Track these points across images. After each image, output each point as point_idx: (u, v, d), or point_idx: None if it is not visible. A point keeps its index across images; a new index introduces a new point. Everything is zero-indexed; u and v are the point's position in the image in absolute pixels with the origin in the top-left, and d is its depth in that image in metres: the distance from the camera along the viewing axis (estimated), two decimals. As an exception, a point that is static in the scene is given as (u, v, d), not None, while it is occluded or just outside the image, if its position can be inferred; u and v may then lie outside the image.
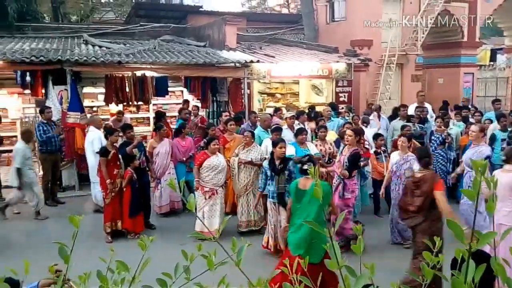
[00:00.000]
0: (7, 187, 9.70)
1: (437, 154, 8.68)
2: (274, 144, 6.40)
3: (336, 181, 6.69)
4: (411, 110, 10.57)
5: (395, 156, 6.99)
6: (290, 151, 7.47)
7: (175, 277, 1.33)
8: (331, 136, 8.52)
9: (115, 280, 1.35)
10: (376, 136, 8.20)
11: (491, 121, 9.40)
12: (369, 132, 8.77)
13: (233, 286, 1.40)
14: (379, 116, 10.37)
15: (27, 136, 8.19)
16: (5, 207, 8.13)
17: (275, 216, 6.16)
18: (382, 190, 7.03)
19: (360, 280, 1.03)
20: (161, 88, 11.37)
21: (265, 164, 6.36)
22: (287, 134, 8.43)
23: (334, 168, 7.11)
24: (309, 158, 5.55)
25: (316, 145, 7.74)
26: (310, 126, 9.40)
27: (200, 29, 14.10)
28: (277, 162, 6.17)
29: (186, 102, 11.46)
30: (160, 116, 10.15)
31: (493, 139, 8.59)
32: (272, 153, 6.34)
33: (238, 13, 18.01)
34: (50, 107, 9.10)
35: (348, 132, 6.81)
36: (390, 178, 6.93)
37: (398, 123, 9.54)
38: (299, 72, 12.67)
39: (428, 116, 10.43)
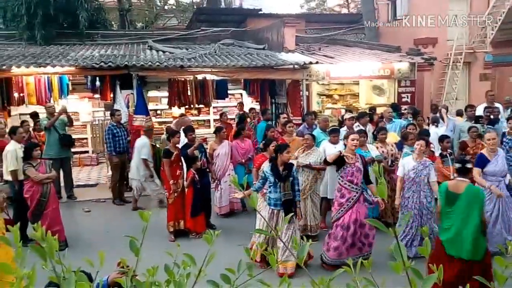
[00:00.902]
0: (78, 186, 10.34)
1: (509, 157, 8.16)
2: (281, 149, 5.99)
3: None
4: (480, 111, 10.04)
5: (409, 162, 6.39)
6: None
7: (238, 274, 1.36)
8: (392, 138, 8.28)
9: (181, 274, 1.40)
10: (442, 138, 7.86)
11: None
12: (434, 135, 8.44)
13: (296, 286, 1.41)
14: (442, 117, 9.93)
15: (149, 133, 9.10)
16: (135, 202, 8.89)
17: (273, 224, 5.80)
18: (398, 201, 6.40)
19: (427, 282, 1.00)
20: (221, 91, 11.63)
21: (267, 169, 5.95)
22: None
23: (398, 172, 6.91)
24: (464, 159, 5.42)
25: (377, 147, 7.56)
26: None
27: (259, 32, 14.24)
28: (280, 168, 5.89)
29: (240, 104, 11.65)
30: (242, 118, 10.25)
31: None
32: (274, 159, 6.00)
33: (297, 14, 17.97)
34: (119, 110, 9.56)
35: (420, 142, 6.43)
36: (402, 186, 6.40)
37: (465, 124, 9.10)
38: (359, 72, 12.42)
39: (500, 117, 9.85)
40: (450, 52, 13.41)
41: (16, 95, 10.66)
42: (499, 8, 13.55)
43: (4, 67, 9.34)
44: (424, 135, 7.76)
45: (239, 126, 9.37)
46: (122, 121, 9.58)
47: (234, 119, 12.44)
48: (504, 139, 8.45)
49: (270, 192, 5.92)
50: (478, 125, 8.65)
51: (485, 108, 9.99)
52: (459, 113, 10.44)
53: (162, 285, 1.38)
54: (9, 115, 11.21)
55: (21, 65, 9.41)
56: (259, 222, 6.29)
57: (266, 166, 6.03)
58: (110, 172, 10.07)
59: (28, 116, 10.94)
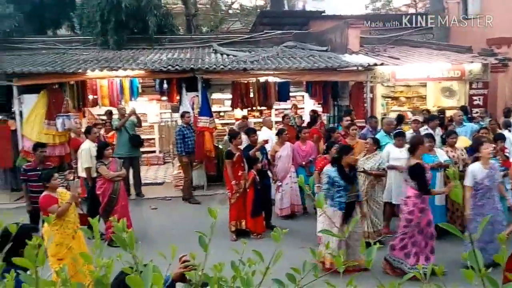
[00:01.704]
0: (146, 184, 10.81)
1: None
2: (345, 152, 5.96)
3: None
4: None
5: (480, 170, 6.03)
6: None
7: (303, 274, 1.37)
8: (463, 142, 7.89)
9: (247, 271, 1.44)
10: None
11: None
12: (508, 139, 7.94)
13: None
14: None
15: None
16: None
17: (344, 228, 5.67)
18: (469, 211, 6.03)
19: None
20: (283, 93, 11.67)
21: (334, 173, 5.89)
22: (412, 139, 8.03)
23: None
24: None
25: (446, 152, 7.25)
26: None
27: (322, 34, 14.12)
28: (346, 170, 5.88)
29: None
30: (314, 119, 10.19)
31: None
32: (339, 159, 5.92)
33: (361, 15, 17.63)
34: (189, 112, 9.90)
35: (489, 148, 6.13)
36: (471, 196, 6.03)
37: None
38: (427, 74, 11.95)
39: None
40: (527, 52, 12.53)
41: (90, 97, 11.34)
42: None
43: (80, 70, 9.97)
44: (499, 139, 7.35)
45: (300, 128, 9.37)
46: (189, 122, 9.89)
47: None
48: None
49: (340, 196, 5.85)
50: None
51: None
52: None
53: (229, 281, 1.42)
54: (84, 116, 11.94)
55: (95, 69, 10.01)
56: (321, 226, 6.24)
57: (331, 170, 5.95)
58: (175, 171, 10.43)
59: (103, 114, 11.65)
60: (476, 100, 12.06)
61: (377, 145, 6.98)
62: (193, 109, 10.38)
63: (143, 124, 12.13)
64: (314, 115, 11.05)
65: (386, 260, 6.00)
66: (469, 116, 10.15)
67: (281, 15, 17.39)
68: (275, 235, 1.33)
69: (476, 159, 6.21)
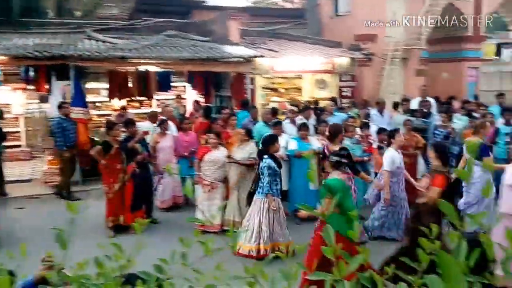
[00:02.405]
0: (10, 182, 9.79)
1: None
2: (269, 141, 6.20)
3: None
4: (414, 105, 10.54)
5: (396, 154, 6.62)
6: (292, 145, 7.48)
7: (172, 263, 1.33)
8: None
9: (113, 267, 1.36)
10: (380, 131, 8.17)
11: (493, 115, 9.34)
12: (373, 127, 8.76)
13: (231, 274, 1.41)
14: (382, 110, 10.31)
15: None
16: None
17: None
18: (388, 195, 6.63)
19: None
20: (164, 83, 11.41)
21: (271, 163, 6.01)
22: (290, 129, 8.44)
23: None
24: (336, 151, 5.51)
25: (318, 140, 7.73)
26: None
27: (204, 24, 14.09)
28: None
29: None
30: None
31: (497, 133, 8.56)
32: (266, 151, 6.11)
33: (242, 7, 17.95)
34: (67, 103, 9.14)
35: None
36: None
37: (400, 117, 9.51)
38: (303, 67, 12.66)
39: (432, 110, 10.39)
40: (388, 48, 13.92)
41: None
42: (434, 7, 14.23)
43: None
44: (364, 127, 8.12)
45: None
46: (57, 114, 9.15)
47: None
48: (436, 132, 8.93)
49: (277, 184, 6.03)
50: (413, 118, 9.09)
51: (420, 101, 10.50)
52: (394, 106, 10.84)
53: (92, 278, 1.33)
54: None
55: None
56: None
57: (269, 161, 5.99)
58: (45, 167, 9.61)
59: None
60: (345, 91, 13.10)
61: (249, 136, 7.10)
62: (64, 99, 9.63)
63: (6, 116, 10.94)
64: (209, 107, 10.75)
65: None
66: (339, 106, 10.95)
67: (162, 3, 16.90)
68: (136, 226, 1.27)
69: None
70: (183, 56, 10.32)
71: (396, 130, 7.11)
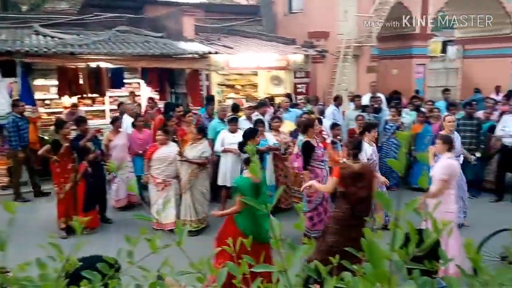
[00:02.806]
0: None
1: (390, 143, 8.96)
2: (252, 135, 6.38)
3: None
4: (366, 100, 10.85)
5: (367, 147, 6.67)
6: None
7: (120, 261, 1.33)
8: (289, 126, 8.64)
9: (56, 268, 1.33)
10: (333, 126, 8.36)
11: (439, 110, 9.77)
12: (327, 122, 8.95)
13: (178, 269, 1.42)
14: (339, 105, 10.52)
15: None
16: None
17: None
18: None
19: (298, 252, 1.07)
20: (117, 80, 11.15)
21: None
22: (245, 125, 8.48)
23: (293, 159, 7.24)
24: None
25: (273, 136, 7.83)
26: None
27: (157, 20, 13.86)
28: None
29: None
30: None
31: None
32: (244, 144, 6.13)
33: (196, 3, 17.79)
34: (23, 102, 8.74)
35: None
36: None
37: (352, 112, 9.77)
38: (258, 63, 12.73)
39: (383, 106, 10.74)
40: (340, 45, 14.24)
41: None
42: (384, 5, 14.69)
43: None
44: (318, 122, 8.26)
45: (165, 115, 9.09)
46: (4, 112, 8.77)
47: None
48: (387, 126, 9.24)
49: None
50: (364, 114, 9.36)
51: (371, 97, 10.82)
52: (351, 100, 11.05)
53: (35, 280, 1.30)
54: None
55: None
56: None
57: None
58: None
59: None
60: (300, 88, 13.29)
61: (202, 134, 7.08)
62: (11, 96, 9.24)
63: None
64: (170, 103, 10.51)
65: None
66: (293, 102, 11.10)
67: (113, -2, 16.50)
68: (75, 224, 1.26)
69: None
70: (136, 52, 10.13)
71: (372, 125, 7.29)
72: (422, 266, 1.25)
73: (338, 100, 10.56)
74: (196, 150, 6.82)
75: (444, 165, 5.19)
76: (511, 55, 18.65)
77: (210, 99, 10.26)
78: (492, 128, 8.49)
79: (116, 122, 8.10)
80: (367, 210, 5.07)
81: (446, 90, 12.14)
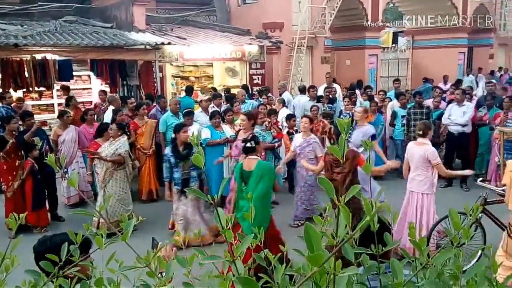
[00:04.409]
0: None
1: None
2: (177, 129, 6.12)
3: None
4: (320, 91, 10.98)
5: (298, 138, 6.91)
6: (205, 134, 7.41)
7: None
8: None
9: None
10: (289, 117, 8.39)
11: (391, 99, 10.05)
12: (282, 113, 8.98)
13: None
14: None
15: None
16: None
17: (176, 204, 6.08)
18: (280, 165, 7.19)
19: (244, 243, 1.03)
20: (65, 72, 10.68)
21: (167, 151, 6.09)
22: (202, 118, 8.36)
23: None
24: (253, 136, 5.44)
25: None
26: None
27: (106, 10, 13.40)
28: (181, 148, 6.02)
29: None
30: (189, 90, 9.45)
31: (394, 116, 9.21)
32: (174, 139, 6.10)
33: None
34: None
35: (304, 120, 6.86)
36: (292, 156, 6.98)
37: (308, 103, 9.85)
38: (212, 54, 12.59)
39: (337, 96, 10.90)
40: (295, 37, 14.31)
41: None
42: (336, -4, 14.89)
43: None
44: (272, 114, 8.28)
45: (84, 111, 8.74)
46: None
47: (83, 102, 11.62)
48: (341, 116, 9.39)
49: (174, 172, 5.99)
50: (319, 104, 9.46)
51: (325, 88, 10.96)
52: (301, 90, 11.19)
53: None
54: None
55: None
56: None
57: (167, 148, 6.11)
58: None
59: None
60: (255, 79, 13.28)
61: (122, 131, 6.78)
62: None
63: None
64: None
65: None
66: (250, 93, 11.07)
67: (59, -13, 15.80)
68: (11, 222, 1.16)
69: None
70: (84, 43, 9.75)
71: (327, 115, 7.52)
72: (368, 250, 1.25)
73: (301, 91, 10.74)
74: (113, 147, 6.45)
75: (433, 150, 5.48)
76: (458, 46, 19.48)
77: (190, 90, 10.28)
78: (441, 116, 8.79)
79: (63, 116, 7.71)
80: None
81: (396, 80, 12.49)
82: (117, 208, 6.47)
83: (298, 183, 7.00)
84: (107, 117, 8.35)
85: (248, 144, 5.11)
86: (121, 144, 6.49)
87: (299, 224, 6.67)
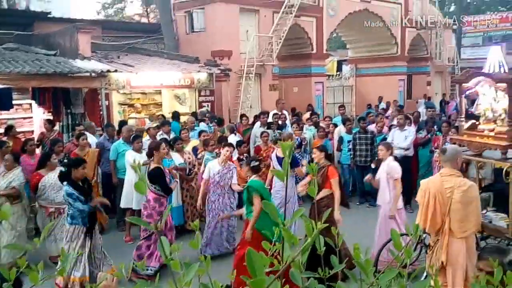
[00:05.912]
0: None
1: (293, 157, 9.25)
2: (74, 165, 5.31)
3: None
4: (270, 118, 11.14)
5: (215, 166, 6.67)
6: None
7: None
8: (194, 143, 8.56)
9: None
10: (240, 143, 8.42)
11: (336, 125, 10.36)
12: (231, 140, 8.98)
13: None
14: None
15: None
16: None
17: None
18: (200, 202, 6.76)
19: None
20: (4, 101, 10.17)
21: (71, 191, 5.15)
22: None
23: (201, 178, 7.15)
24: (254, 157, 5.92)
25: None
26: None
27: (49, 37, 13.03)
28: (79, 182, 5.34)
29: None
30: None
31: (341, 141, 9.49)
32: (67, 177, 5.27)
33: (92, 20, 17.09)
34: None
35: (227, 148, 6.82)
36: (206, 188, 6.71)
37: (259, 130, 9.95)
38: (161, 82, 12.51)
39: (287, 122, 11.10)
40: (243, 64, 14.53)
41: None
42: (282, 26, 15.32)
43: None
44: (222, 141, 8.26)
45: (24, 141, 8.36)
46: None
47: (23, 132, 11.09)
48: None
49: (83, 210, 5.16)
50: (269, 130, 9.58)
51: (274, 114, 11.13)
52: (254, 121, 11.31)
53: None
54: None
55: None
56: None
57: (67, 188, 5.17)
58: None
59: None
60: (205, 106, 13.28)
61: (16, 161, 6.45)
62: None
63: None
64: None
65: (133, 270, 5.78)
66: (199, 120, 11.03)
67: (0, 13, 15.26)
68: None
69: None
70: (25, 71, 9.38)
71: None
72: (316, 274, 1.26)
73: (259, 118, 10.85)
74: (6, 179, 6.06)
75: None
76: (398, 73, 20.59)
77: (177, 115, 11.01)
78: (384, 140, 9.14)
79: (1, 147, 7.31)
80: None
81: (341, 107, 12.92)
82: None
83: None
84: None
85: (252, 164, 5.59)
86: (15, 177, 6.11)
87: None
